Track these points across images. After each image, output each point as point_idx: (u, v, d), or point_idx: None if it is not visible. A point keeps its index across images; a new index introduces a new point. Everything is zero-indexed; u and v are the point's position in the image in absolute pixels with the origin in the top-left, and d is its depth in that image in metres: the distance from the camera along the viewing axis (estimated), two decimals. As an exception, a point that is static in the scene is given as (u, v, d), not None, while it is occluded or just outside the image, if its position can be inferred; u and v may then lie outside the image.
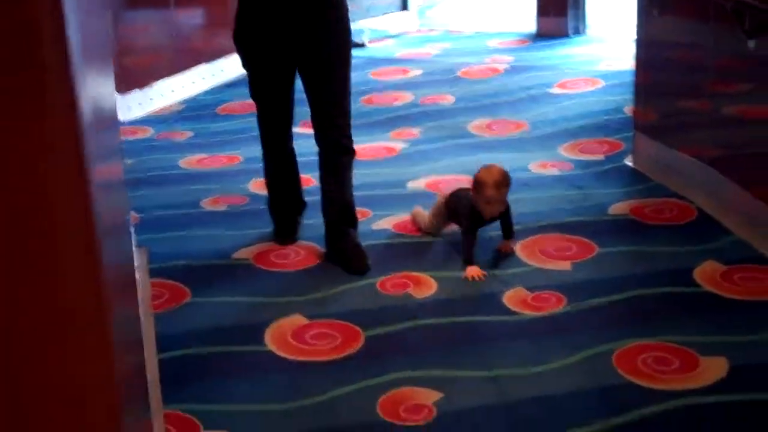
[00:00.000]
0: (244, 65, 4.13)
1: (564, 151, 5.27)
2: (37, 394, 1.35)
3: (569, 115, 5.80)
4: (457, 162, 5.16)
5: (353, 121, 4.13)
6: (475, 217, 4.09)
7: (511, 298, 3.75)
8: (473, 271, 3.97)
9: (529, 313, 3.63)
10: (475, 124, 5.79)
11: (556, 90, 6.35)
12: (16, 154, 1.20)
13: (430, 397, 3.16)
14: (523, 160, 5.16)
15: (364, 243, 4.16)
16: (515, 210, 4.48)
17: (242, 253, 4.21)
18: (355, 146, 4.15)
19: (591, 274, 3.89)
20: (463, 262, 4.04)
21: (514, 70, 6.89)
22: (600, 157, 5.15)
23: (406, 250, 4.19)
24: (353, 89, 4.13)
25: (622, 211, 4.47)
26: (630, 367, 3.28)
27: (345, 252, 4.07)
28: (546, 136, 5.52)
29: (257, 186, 4.94)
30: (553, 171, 5.00)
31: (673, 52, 4.71)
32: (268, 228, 4.42)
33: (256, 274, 4.04)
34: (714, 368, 3.26)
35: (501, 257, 4.08)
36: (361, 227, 4.28)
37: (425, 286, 3.87)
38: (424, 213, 4.37)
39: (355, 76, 4.21)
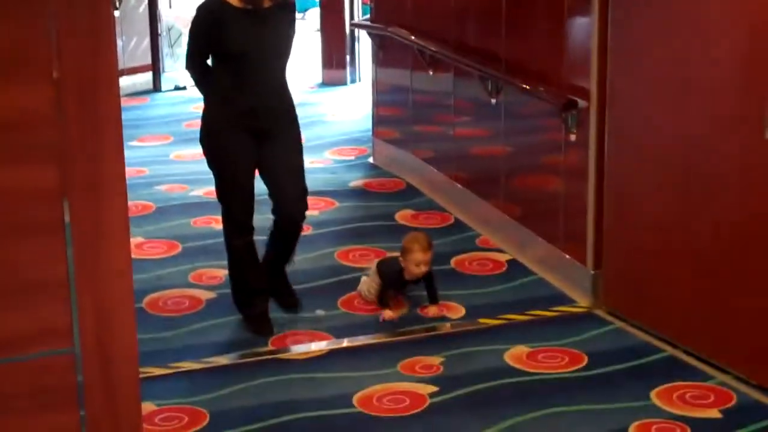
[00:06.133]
0: (212, 165, 4.43)
1: (328, 153, 7.58)
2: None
3: (336, 133, 8.14)
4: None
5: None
6: (399, 277, 4.69)
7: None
8: (389, 314, 4.64)
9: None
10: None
11: (329, 118, 8.68)
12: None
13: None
14: (298, 160, 7.41)
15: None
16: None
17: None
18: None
19: (331, 216, 6.19)
20: (381, 304, 4.67)
21: (298, 105, 9.12)
22: (352, 157, 7.48)
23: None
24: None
25: (358, 185, 6.82)
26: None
27: (280, 290, 4.73)
28: (317, 145, 7.79)
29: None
30: (319, 165, 7.28)
31: (390, 87, 7.13)
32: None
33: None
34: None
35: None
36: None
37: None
38: (366, 281, 4.91)
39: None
